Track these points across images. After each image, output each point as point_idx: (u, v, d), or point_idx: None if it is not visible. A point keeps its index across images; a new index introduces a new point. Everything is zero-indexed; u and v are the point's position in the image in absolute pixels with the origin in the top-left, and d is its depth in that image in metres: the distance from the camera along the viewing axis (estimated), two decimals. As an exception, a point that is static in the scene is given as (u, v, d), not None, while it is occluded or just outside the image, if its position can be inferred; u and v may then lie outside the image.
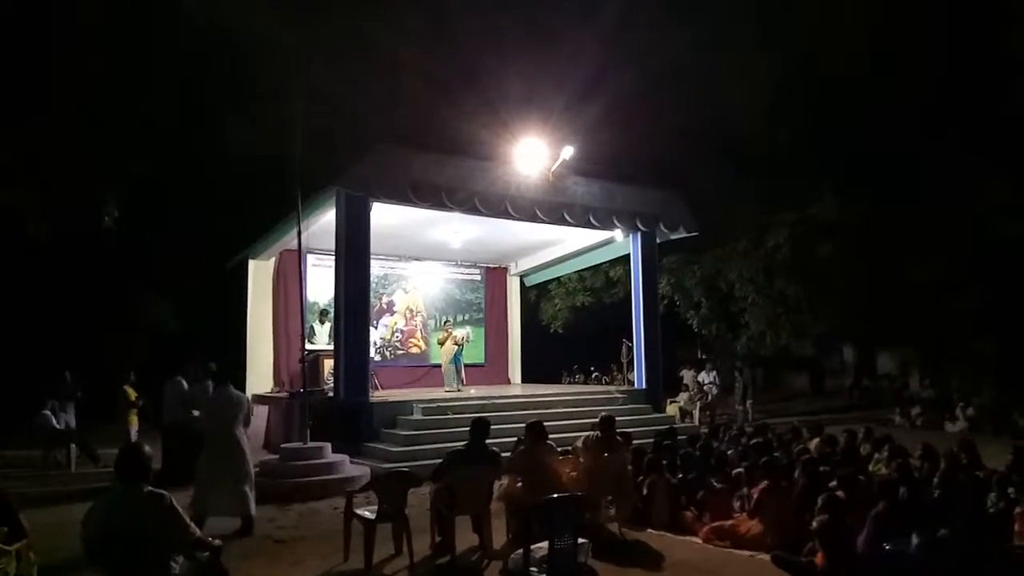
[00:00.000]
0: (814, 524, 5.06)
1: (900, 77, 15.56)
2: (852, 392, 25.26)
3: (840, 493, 5.59)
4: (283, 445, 9.72)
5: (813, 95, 16.26)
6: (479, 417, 6.29)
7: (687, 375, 18.64)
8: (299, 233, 9.64)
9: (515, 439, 7.38)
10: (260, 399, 13.66)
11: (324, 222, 12.10)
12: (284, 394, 12.71)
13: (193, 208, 18.17)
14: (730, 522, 6.21)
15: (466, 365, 15.24)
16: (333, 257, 11.80)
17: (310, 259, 15.13)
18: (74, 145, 12.60)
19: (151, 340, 18.27)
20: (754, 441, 7.88)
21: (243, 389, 13.47)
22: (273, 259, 15.28)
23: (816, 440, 8.65)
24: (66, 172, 12.93)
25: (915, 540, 4.58)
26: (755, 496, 6.08)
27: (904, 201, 15.73)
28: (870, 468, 7.56)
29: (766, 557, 5.52)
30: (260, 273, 15.29)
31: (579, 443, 7.05)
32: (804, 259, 17.38)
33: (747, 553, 5.83)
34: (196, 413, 8.76)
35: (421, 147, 11.85)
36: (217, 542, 3.99)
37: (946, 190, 15.02)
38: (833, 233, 16.77)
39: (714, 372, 17.80)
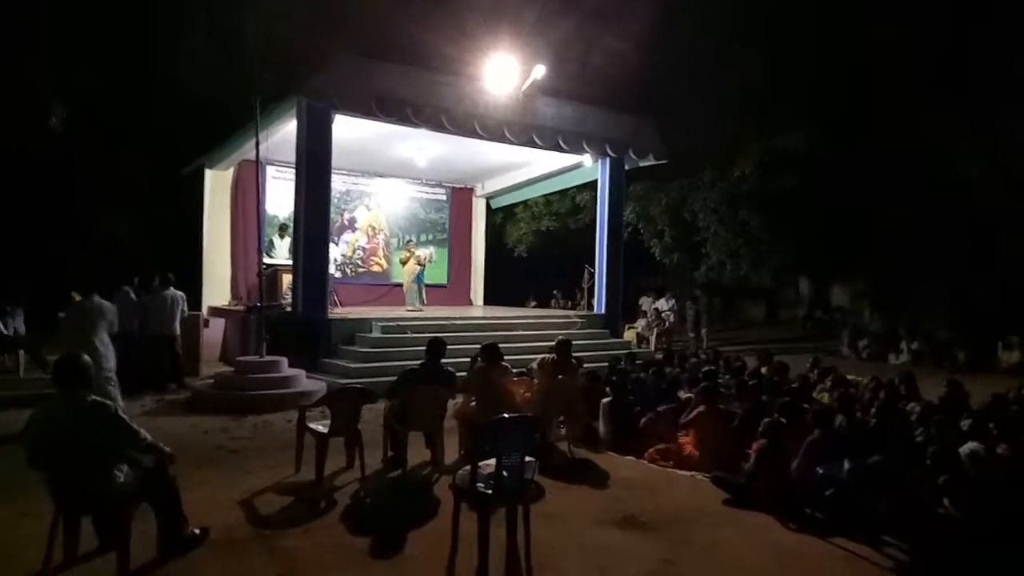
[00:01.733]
0: (753, 447, 5.27)
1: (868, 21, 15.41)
2: (805, 323, 26.05)
3: (781, 419, 5.81)
4: (239, 358, 9.68)
5: (784, 29, 15.99)
6: (436, 337, 6.31)
7: (645, 302, 18.93)
8: (257, 144, 9.32)
9: (469, 359, 7.43)
10: (216, 311, 13.54)
11: (284, 133, 11.67)
12: (241, 307, 12.55)
13: (147, 116, 17.43)
14: (674, 444, 6.41)
15: (428, 285, 15.23)
16: (293, 170, 11.48)
17: (270, 171, 14.73)
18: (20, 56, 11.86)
19: (103, 248, 17.79)
20: (704, 368, 8.08)
21: (199, 300, 13.39)
22: (231, 169, 14.82)
23: (766, 367, 8.91)
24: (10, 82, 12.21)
25: (847, 465, 4.79)
26: (690, 416, 6.29)
27: (866, 138, 15.81)
28: (815, 396, 7.84)
29: (707, 477, 5.73)
30: (217, 183, 14.84)
31: (534, 365, 7.15)
32: (768, 190, 17.49)
33: (689, 473, 6.06)
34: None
35: (387, 59, 11.38)
36: (168, 449, 4.00)
37: (906, 129, 15.10)
38: (798, 166, 16.84)
39: (673, 300, 18.09)
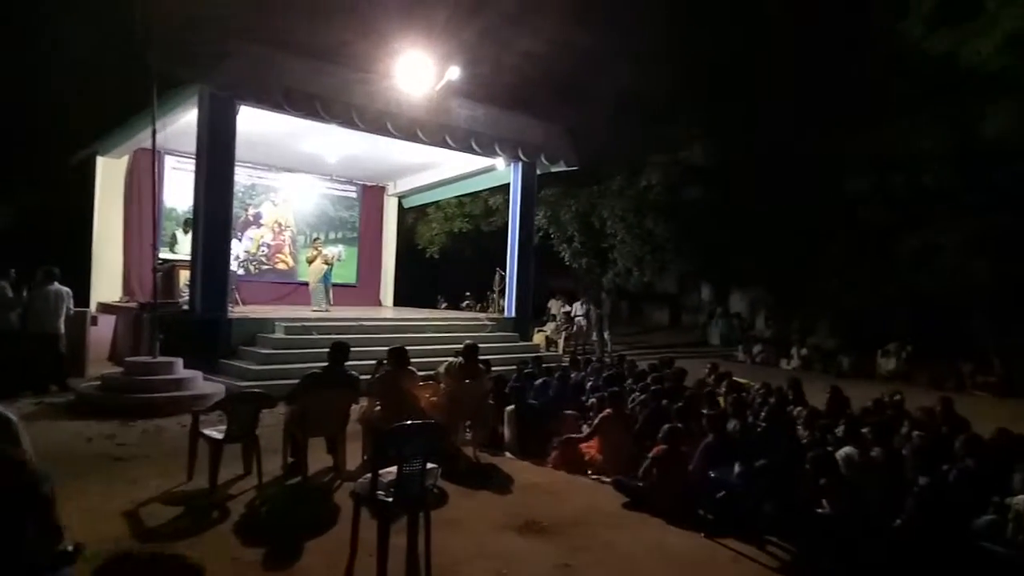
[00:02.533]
0: (652, 452, 5.44)
1: (767, 37, 16.30)
2: (705, 328, 27.07)
3: (679, 424, 6.02)
4: (129, 358, 9.17)
5: (690, 46, 16.67)
6: (338, 341, 6.18)
7: (554, 305, 19.21)
8: (154, 132, 8.85)
9: (380, 362, 7.31)
10: (106, 308, 12.79)
11: (185, 122, 11.17)
12: (134, 304, 11.90)
13: (34, 98, 16.24)
14: (578, 448, 6.53)
15: (336, 285, 14.93)
16: (195, 160, 10.96)
17: (169, 161, 14.09)
18: None
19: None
20: (607, 373, 8.28)
21: (87, 296, 12.59)
22: (126, 158, 14.01)
23: (666, 372, 9.21)
24: None
25: (737, 468, 5.02)
26: (595, 422, 6.43)
27: (766, 154, 16.67)
28: (711, 401, 8.15)
29: (608, 481, 5.87)
30: (110, 172, 13.99)
31: (441, 369, 7.12)
32: (673, 200, 18.12)
33: (591, 478, 6.19)
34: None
35: (296, 51, 11.05)
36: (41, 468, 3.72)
37: (804, 144, 16.03)
38: (701, 177, 17.54)
39: (588, 305, 18.47)
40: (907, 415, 7.10)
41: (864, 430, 5.57)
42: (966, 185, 13.69)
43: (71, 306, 9.67)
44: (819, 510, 4.68)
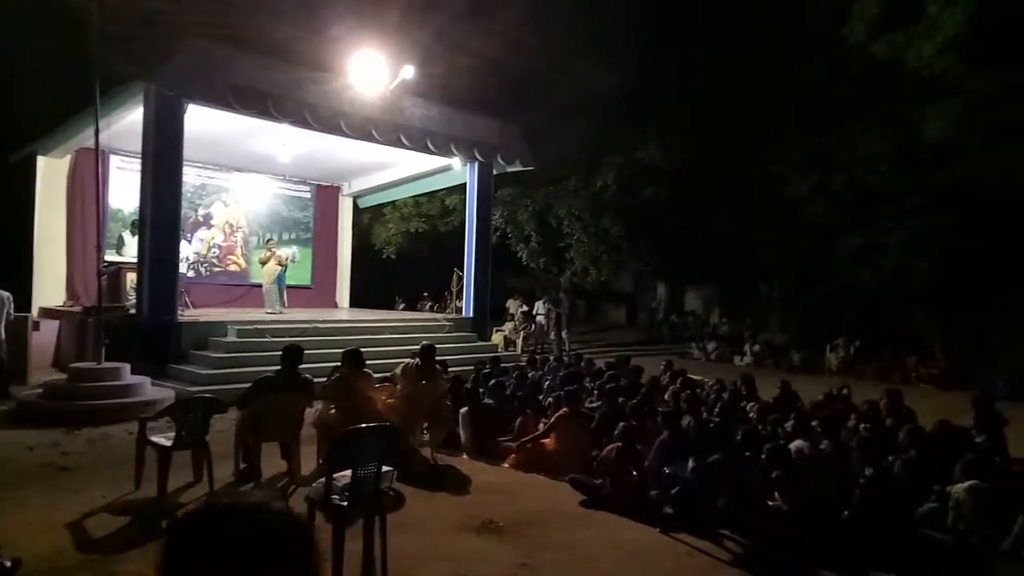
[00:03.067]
0: (607, 449, 5.49)
1: (717, 41, 16.66)
2: (661, 326, 27.45)
3: (635, 421, 6.09)
4: (73, 364, 8.87)
5: (644, 47, 16.90)
6: (291, 344, 6.08)
7: (512, 305, 19.25)
8: (97, 131, 8.56)
9: (336, 365, 7.22)
10: (49, 313, 12.35)
11: (131, 121, 10.83)
12: (78, 308, 11.51)
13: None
14: (535, 447, 6.55)
15: (291, 287, 14.70)
16: (141, 160, 10.67)
17: (115, 161, 13.67)
18: None
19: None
20: (563, 372, 8.33)
21: (28, 301, 12.14)
22: (68, 157, 13.54)
23: (623, 370, 9.31)
24: None
25: (691, 464, 5.11)
26: (551, 420, 6.47)
27: (718, 155, 17.00)
28: (666, 398, 8.27)
29: (565, 480, 5.90)
30: (52, 172, 13.48)
31: (398, 371, 7.06)
32: (628, 200, 18.32)
33: (547, 476, 6.21)
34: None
35: (246, 48, 10.83)
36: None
37: (753, 150, 16.39)
38: (655, 178, 17.77)
39: (549, 305, 18.56)
40: (854, 408, 7.31)
41: (813, 423, 5.72)
42: (908, 186, 14.14)
43: (11, 311, 9.35)
44: (771, 503, 4.79)
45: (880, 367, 14.72)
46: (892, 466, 5.20)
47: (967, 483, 4.48)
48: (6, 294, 9.26)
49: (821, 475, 5.01)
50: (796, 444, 5.24)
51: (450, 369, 8.22)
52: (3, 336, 9.09)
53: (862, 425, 6.36)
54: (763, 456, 4.93)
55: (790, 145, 15.73)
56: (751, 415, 7.01)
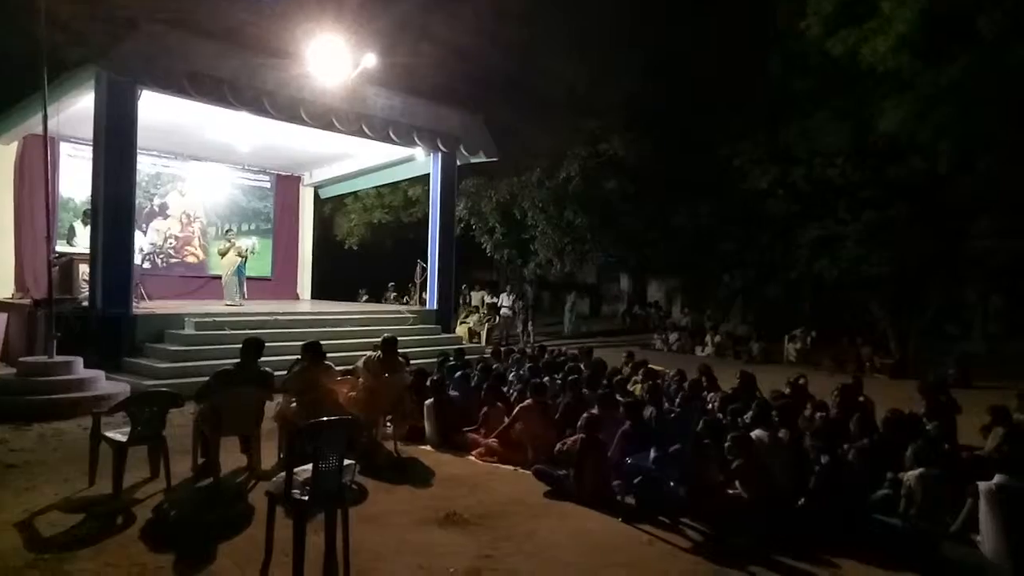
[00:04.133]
0: (570, 440, 5.52)
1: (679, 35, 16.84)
2: (624, 317, 27.71)
3: (599, 412, 6.13)
4: (23, 359, 8.59)
5: (606, 40, 16.98)
6: (251, 337, 5.95)
7: (476, 296, 19.22)
8: (45, 117, 8.28)
9: (297, 358, 7.12)
10: (-4, 305, 11.93)
11: (82, 107, 10.50)
12: (28, 301, 11.15)
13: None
14: (500, 439, 6.56)
15: (251, 278, 14.47)
16: (92, 148, 10.35)
17: (65, 148, 13.25)
18: None
19: None
20: (528, 364, 8.35)
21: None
22: (15, 144, 13.07)
23: (584, 362, 9.36)
24: None
25: (652, 454, 5.16)
26: (514, 412, 6.48)
27: (680, 148, 17.19)
28: (629, 388, 8.35)
29: (528, 472, 5.92)
30: (-3, 159, 13.03)
31: (360, 363, 6.99)
32: (592, 192, 18.41)
33: (512, 467, 6.23)
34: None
35: (201, 33, 10.57)
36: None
37: (714, 144, 16.61)
38: (619, 170, 17.88)
39: (513, 296, 18.56)
40: (811, 398, 7.47)
41: (772, 413, 5.83)
42: (865, 179, 14.47)
43: None
44: (730, 491, 4.87)
45: (836, 357, 15.06)
46: (846, 454, 5.33)
47: (918, 471, 4.61)
48: None
49: (779, 463, 5.11)
50: (756, 433, 5.34)
51: (413, 362, 8.17)
52: None
53: (818, 414, 6.51)
54: (725, 445, 5.00)
55: (751, 139, 15.97)
56: (711, 405, 7.11)
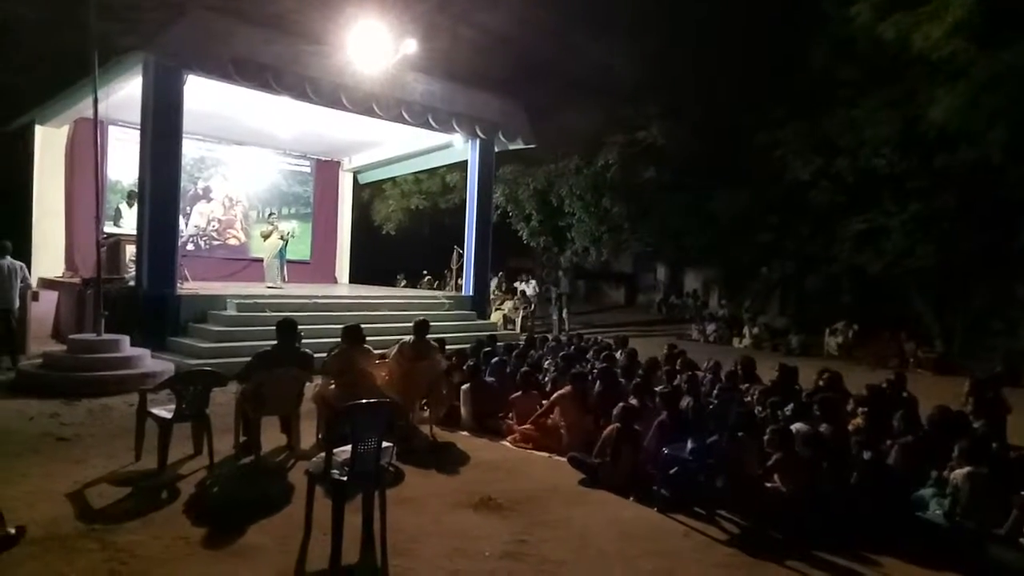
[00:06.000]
0: (605, 430, 5.51)
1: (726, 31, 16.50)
2: (660, 307, 27.49)
3: (635, 402, 6.11)
4: (73, 336, 8.87)
5: (649, 25, 16.73)
6: (285, 318, 6.03)
7: (519, 285, 19.25)
8: (95, 101, 8.48)
9: (337, 340, 7.22)
10: (48, 284, 12.34)
11: (129, 91, 10.72)
12: (77, 280, 11.49)
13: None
14: (535, 425, 6.57)
15: (290, 261, 14.65)
16: (140, 131, 10.58)
17: (114, 132, 13.55)
18: None
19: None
20: (563, 352, 8.33)
21: (27, 270, 12.10)
22: (67, 127, 13.42)
23: (621, 351, 9.31)
24: None
25: (690, 444, 5.12)
26: (551, 399, 6.48)
27: (719, 136, 16.88)
28: (663, 378, 8.27)
29: (563, 459, 5.92)
30: (50, 141, 13.38)
31: (396, 348, 7.05)
32: (630, 180, 18.22)
33: (546, 454, 6.24)
34: None
35: (247, 19, 10.70)
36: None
37: (754, 132, 16.28)
38: (657, 158, 17.66)
39: (533, 282, 18.53)
40: (847, 393, 7.32)
41: (813, 406, 5.73)
42: (911, 169, 14.08)
43: (28, 280, 9.52)
44: (769, 485, 4.81)
45: (878, 351, 14.74)
46: (890, 450, 5.22)
47: (965, 469, 4.49)
48: (20, 264, 9.31)
49: (820, 458, 5.02)
50: (796, 427, 5.26)
51: (448, 347, 8.24)
52: (16, 304, 9.15)
53: (860, 409, 6.37)
54: (765, 438, 4.94)
55: (794, 128, 15.61)
56: (749, 398, 7.02)
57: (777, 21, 15.85)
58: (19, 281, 9.19)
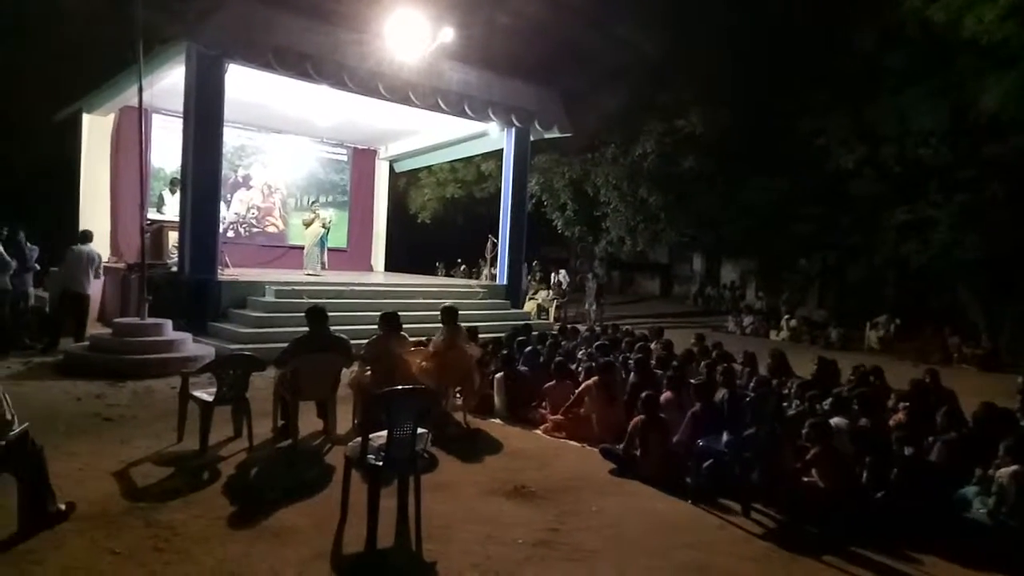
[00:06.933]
0: (633, 421, 5.48)
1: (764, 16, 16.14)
2: (696, 299, 27.22)
3: (669, 393, 6.06)
4: (117, 320, 9.11)
5: (687, 12, 16.42)
6: (314, 305, 6.10)
7: (554, 275, 19.23)
8: (140, 89, 8.65)
9: (374, 327, 7.29)
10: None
11: (172, 80, 10.93)
12: (122, 265, 11.79)
13: (16, 51, 15.88)
14: (568, 415, 6.57)
15: (328, 249, 14.83)
16: (182, 119, 10.78)
17: (157, 120, 13.83)
18: None
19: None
20: (597, 343, 8.30)
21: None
22: (112, 116, 13.73)
23: (656, 342, 9.24)
24: None
25: (725, 437, 5.07)
26: (579, 389, 6.46)
27: (759, 125, 16.55)
28: (700, 370, 8.18)
29: (595, 448, 5.91)
30: (96, 130, 13.69)
31: (436, 336, 7.10)
32: (667, 169, 18.00)
33: (579, 443, 6.24)
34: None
35: (287, 8, 10.80)
36: (24, 426, 3.71)
37: (795, 121, 15.92)
38: (696, 146, 17.39)
39: (564, 272, 18.46)
40: (887, 387, 7.16)
41: (852, 401, 5.62)
42: (959, 159, 13.66)
43: (101, 268, 10.00)
44: (806, 479, 4.74)
45: (921, 346, 14.37)
46: (932, 447, 5.10)
47: (1012, 467, 4.37)
48: (96, 253, 9.86)
49: (859, 453, 4.93)
50: (835, 421, 5.17)
51: (481, 336, 8.26)
52: (88, 290, 9.71)
53: (902, 404, 6.24)
54: (803, 431, 4.86)
55: (837, 116, 15.23)
56: (786, 391, 6.91)
57: (822, 4, 15.43)
58: (93, 269, 9.68)
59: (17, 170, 16.81)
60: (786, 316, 17.85)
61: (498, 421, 7.01)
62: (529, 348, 8.14)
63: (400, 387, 4.34)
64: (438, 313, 8.77)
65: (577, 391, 6.59)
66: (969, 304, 15.43)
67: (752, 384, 6.79)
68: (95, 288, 11.51)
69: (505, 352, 7.82)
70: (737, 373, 7.24)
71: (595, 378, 6.50)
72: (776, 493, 4.75)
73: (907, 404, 6.13)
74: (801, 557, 4.11)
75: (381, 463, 3.97)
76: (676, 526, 4.51)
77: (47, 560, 3.49)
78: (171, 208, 13.00)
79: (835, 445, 4.84)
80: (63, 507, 3.91)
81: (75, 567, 3.45)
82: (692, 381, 6.22)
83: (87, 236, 9.90)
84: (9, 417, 3.56)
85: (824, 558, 4.09)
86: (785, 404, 6.27)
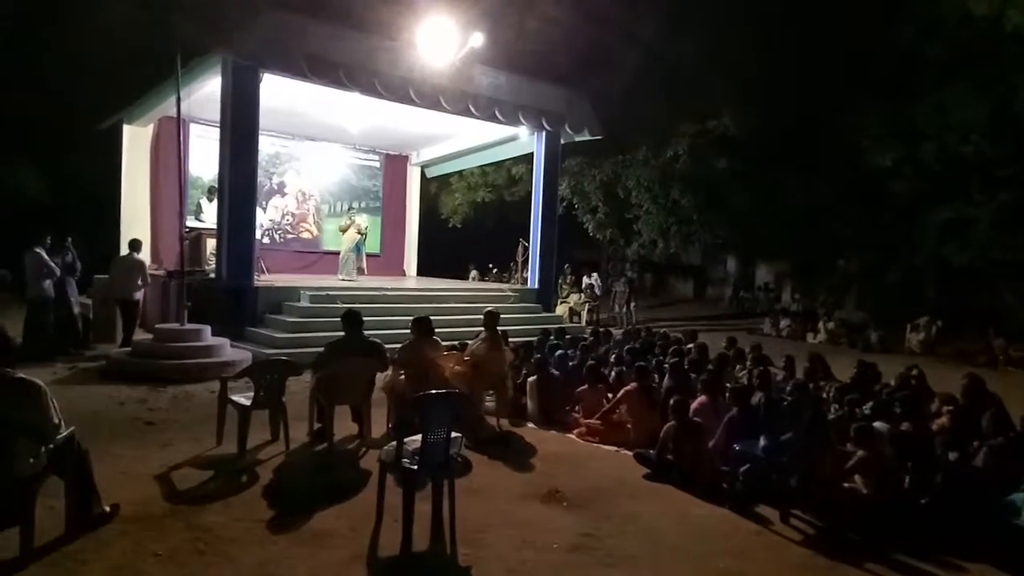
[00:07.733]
0: (665, 426, 5.42)
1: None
2: (731, 301, 26.86)
3: (704, 397, 5.98)
4: (158, 325, 9.32)
5: (719, 11, 16.26)
6: (349, 309, 6.17)
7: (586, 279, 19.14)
8: (178, 100, 8.86)
9: (406, 331, 7.35)
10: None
11: (209, 90, 11.17)
12: (162, 272, 12.05)
13: (62, 65, 16.36)
14: (601, 420, 6.53)
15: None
16: (219, 129, 11.01)
17: (194, 130, 14.11)
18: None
19: (15, 207, 16.73)
20: (629, 346, 8.24)
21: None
22: (151, 126, 14.08)
23: (690, 346, 9.13)
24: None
25: (762, 442, 4.99)
26: (618, 395, 6.42)
27: (794, 126, 16.30)
28: (737, 374, 8.08)
29: (630, 453, 5.87)
30: (136, 140, 14.06)
31: (469, 342, 7.12)
32: (700, 171, 17.83)
33: (613, 448, 6.20)
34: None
35: (319, 17, 10.97)
36: (70, 429, 3.81)
37: (831, 119, 15.65)
38: (728, 147, 17.20)
39: (595, 274, 18.37)
40: (930, 391, 6.99)
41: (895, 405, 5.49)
42: (1002, 156, 13.29)
43: (146, 276, 10.30)
44: (847, 484, 4.64)
45: (964, 348, 13.98)
46: (978, 452, 4.96)
47: (1063, 474, 4.23)
48: (142, 260, 10.25)
49: (902, 458, 4.81)
50: (876, 426, 5.05)
51: (512, 340, 8.27)
52: (135, 297, 10.05)
53: (945, 408, 6.08)
54: (851, 435, 4.75)
55: (875, 113, 14.93)
56: (825, 395, 6.79)
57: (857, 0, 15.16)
58: (140, 277, 9.98)
59: (63, 180, 17.30)
60: (823, 318, 17.52)
61: (531, 425, 7.00)
62: (561, 352, 8.11)
63: (434, 391, 4.36)
64: (469, 317, 8.80)
65: (617, 396, 6.55)
66: (1013, 304, 14.99)
67: (789, 388, 6.67)
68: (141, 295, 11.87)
69: (538, 356, 7.80)
70: (774, 376, 7.13)
71: (635, 384, 6.45)
72: (815, 498, 4.66)
73: (951, 408, 5.98)
74: (841, 564, 4.02)
75: (415, 467, 4.00)
76: (713, 532, 4.45)
77: (92, 560, 3.58)
78: (209, 216, 13.27)
79: (881, 450, 4.73)
80: (108, 509, 4.01)
81: (119, 568, 3.53)
82: (728, 385, 6.14)
83: (136, 245, 10.24)
84: (57, 421, 3.65)
85: (866, 565, 4.00)
86: (824, 408, 6.15)
